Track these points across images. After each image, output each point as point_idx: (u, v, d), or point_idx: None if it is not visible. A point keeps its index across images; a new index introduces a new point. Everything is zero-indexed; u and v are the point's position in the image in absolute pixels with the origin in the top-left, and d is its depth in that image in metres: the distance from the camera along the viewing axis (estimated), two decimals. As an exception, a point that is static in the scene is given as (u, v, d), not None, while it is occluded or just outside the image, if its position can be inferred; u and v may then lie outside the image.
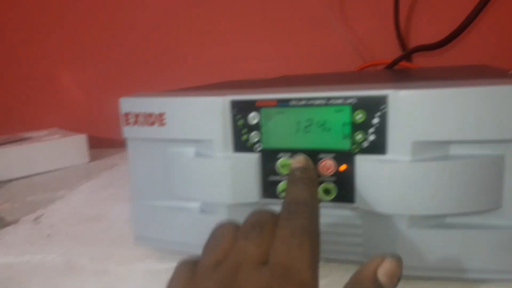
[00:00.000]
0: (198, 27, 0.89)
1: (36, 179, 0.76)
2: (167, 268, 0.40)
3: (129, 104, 0.39)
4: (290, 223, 0.25)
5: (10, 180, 0.76)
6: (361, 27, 0.80)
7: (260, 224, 0.26)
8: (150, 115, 0.38)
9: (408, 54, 0.64)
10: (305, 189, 0.29)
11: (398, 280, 0.25)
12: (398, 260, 0.25)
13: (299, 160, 0.32)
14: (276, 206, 0.37)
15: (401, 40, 0.74)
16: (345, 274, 0.36)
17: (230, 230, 0.27)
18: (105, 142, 0.95)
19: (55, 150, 0.81)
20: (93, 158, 0.85)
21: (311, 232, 0.25)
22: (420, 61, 0.77)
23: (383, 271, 0.24)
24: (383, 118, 0.32)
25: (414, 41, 0.77)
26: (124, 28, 0.92)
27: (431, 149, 0.32)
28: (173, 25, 0.90)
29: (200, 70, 0.90)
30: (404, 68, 0.68)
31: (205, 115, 0.36)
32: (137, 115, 0.39)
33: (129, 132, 0.40)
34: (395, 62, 0.63)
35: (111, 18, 0.93)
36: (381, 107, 0.32)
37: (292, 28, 0.84)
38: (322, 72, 0.74)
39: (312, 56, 0.84)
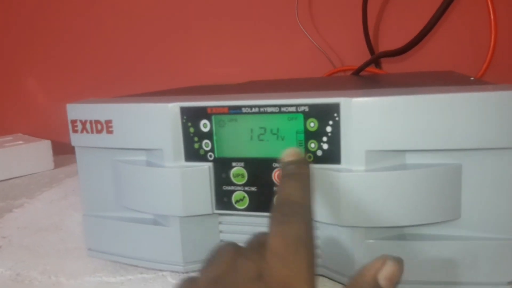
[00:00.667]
0: (170, 31, 0.87)
1: (-4, 187, 0.73)
2: (119, 281, 0.38)
3: (76, 111, 0.37)
4: (284, 230, 0.23)
5: (-30, 188, 0.73)
6: (331, 33, 0.79)
7: (262, 245, 0.24)
8: (97, 122, 0.36)
9: (373, 60, 0.63)
10: (299, 187, 0.27)
11: (398, 283, 0.23)
12: (400, 262, 0.23)
13: (291, 152, 0.30)
14: (230, 217, 0.36)
15: (370, 46, 0.74)
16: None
17: (229, 249, 0.25)
18: (71, 148, 0.92)
19: (19, 157, 0.78)
20: (58, 164, 0.83)
21: (307, 242, 0.23)
22: (389, 66, 0.76)
23: (384, 275, 0.22)
24: (336, 127, 0.31)
25: (383, 47, 0.76)
26: (90, 32, 0.90)
27: (386, 158, 0.31)
28: (142, 30, 0.88)
29: (170, 75, 0.88)
30: (370, 74, 0.68)
31: (154, 123, 0.34)
32: (84, 122, 0.37)
33: (76, 140, 0.38)
34: (361, 68, 0.62)
35: (77, 22, 0.90)
36: (334, 115, 0.31)
37: (263, 33, 0.83)
38: (292, 77, 0.73)
39: (282, 61, 0.82)
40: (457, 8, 0.72)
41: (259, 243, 0.25)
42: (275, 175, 0.33)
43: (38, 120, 0.96)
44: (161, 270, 0.39)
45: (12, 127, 0.96)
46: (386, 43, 0.76)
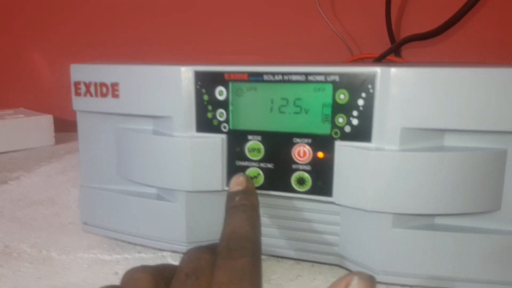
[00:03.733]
0: (181, 15, 0.83)
1: (-6, 159, 0.70)
2: (114, 259, 0.35)
3: (80, 72, 0.34)
4: (229, 264, 0.22)
5: (-32, 158, 0.70)
6: (351, 19, 0.76)
7: (196, 272, 0.22)
8: (102, 85, 0.33)
9: (398, 45, 0.60)
10: (246, 219, 0.26)
11: None
12: (370, 280, 0.20)
13: (238, 182, 0.29)
14: (242, 196, 0.33)
15: (391, 34, 0.70)
16: (317, 277, 0.32)
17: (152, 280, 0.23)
18: (74, 126, 0.89)
19: (19, 130, 0.76)
20: (59, 141, 0.80)
21: (253, 276, 0.22)
22: (411, 55, 0.73)
23: None
24: (370, 100, 0.27)
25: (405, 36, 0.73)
26: (98, 7, 0.87)
27: (423, 138, 0.27)
28: (152, 9, 0.84)
29: (182, 60, 0.85)
30: (396, 62, 0.64)
31: (165, 87, 0.31)
32: (88, 85, 0.33)
33: (79, 103, 0.34)
34: (384, 55, 0.59)
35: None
36: (368, 86, 0.27)
37: (281, 19, 0.79)
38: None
39: (300, 47, 0.79)
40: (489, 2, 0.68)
41: (194, 270, 0.23)
42: (296, 152, 0.30)
43: (41, 96, 0.93)
44: (161, 250, 0.36)
45: (14, 101, 0.93)
46: (408, 33, 0.73)
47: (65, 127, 0.86)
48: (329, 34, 0.75)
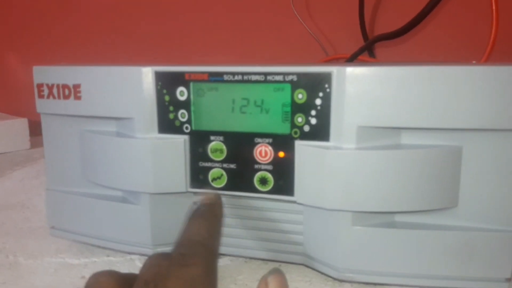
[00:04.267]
0: (160, 16, 0.83)
1: (-33, 164, 0.69)
2: (82, 263, 0.35)
3: (43, 74, 0.34)
4: (181, 272, 0.21)
5: None
6: (325, 20, 0.76)
7: (155, 279, 0.22)
8: (64, 86, 0.33)
9: (368, 45, 0.60)
10: (204, 225, 0.25)
11: None
12: (281, 273, 0.22)
13: (208, 197, 0.28)
14: (206, 197, 0.33)
15: (365, 35, 0.71)
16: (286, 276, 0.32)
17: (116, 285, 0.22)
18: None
19: (-7, 134, 0.75)
20: (35, 145, 0.79)
21: (205, 284, 0.21)
22: (383, 54, 0.74)
23: None
24: (327, 99, 0.28)
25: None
26: (75, 7, 0.86)
27: (380, 136, 0.28)
28: (132, 14, 0.84)
29: (160, 62, 0.84)
30: (364, 62, 0.65)
31: (126, 88, 0.31)
32: (51, 87, 0.33)
33: (42, 106, 0.34)
34: (355, 55, 0.59)
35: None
36: (325, 85, 0.28)
37: (256, 19, 0.79)
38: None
39: (275, 48, 0.79)
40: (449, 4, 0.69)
41: (153, 278, 0.22)
42: (257, 152, 0.30)
43: (15, 99, 0.92)
44: (129, 253, 0.36)
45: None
46: (382, 32, 0.73)
47: (41, 130, 0.85)
48: (305, 34, 0.75)
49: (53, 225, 0.37)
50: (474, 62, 0.39)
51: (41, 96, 0.34)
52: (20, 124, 0.77)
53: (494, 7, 0.50)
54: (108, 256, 0.36)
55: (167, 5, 0.83)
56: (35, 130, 0.79)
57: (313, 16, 0.77)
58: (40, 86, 0.34)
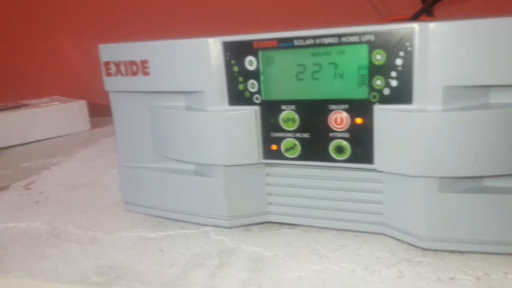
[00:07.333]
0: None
1: (34, 146, 0.72)
2: (158, 237, 0.36)
3: (109, 52, 0.34)
4: None
5: (9, 147, 0.72)
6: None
7: None
8: (132, 63, 0.32)
9: (430, 4, 0.56)
10: None
11: None
12: None
13: None
14: (279, 167, 0.32)
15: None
16: (362, 246, 0.32)
17: None
18: (108, 110, 0.90)
19: (55, 117, 0.77)
20: (94, 126, 0.81)
21: None
22: (444, 13, 0.69)
23: None
24: (408, 59, 0.26)
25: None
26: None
27: (468, 96, 0.26)
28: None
29: (202, 33, 0.84)
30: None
31: (194, 61, 0.30)
32: (118, 64, 0.33)
33: (110, 84, 0.34)
34: (415, 17, 0.56)
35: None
36: (406, 44, 0.26)
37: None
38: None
39: (328, 12, 0.77)
40: None
41: None
42: (332, 120, 0.29)
43: (74, 82, 0.95)
44: (203, 225, 0.36)
45: (48, 90, 0.95)
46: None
47: (99, 111, 0.87)
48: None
49: (127, 201, 0.38)
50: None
51: (108, 74, 0.34)
52: (80, 106, 0.79)
53: None
54: (182, 229, 0.37)
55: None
56: (93, 111, 0.82)
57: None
58: (107, 64, 0.34)
